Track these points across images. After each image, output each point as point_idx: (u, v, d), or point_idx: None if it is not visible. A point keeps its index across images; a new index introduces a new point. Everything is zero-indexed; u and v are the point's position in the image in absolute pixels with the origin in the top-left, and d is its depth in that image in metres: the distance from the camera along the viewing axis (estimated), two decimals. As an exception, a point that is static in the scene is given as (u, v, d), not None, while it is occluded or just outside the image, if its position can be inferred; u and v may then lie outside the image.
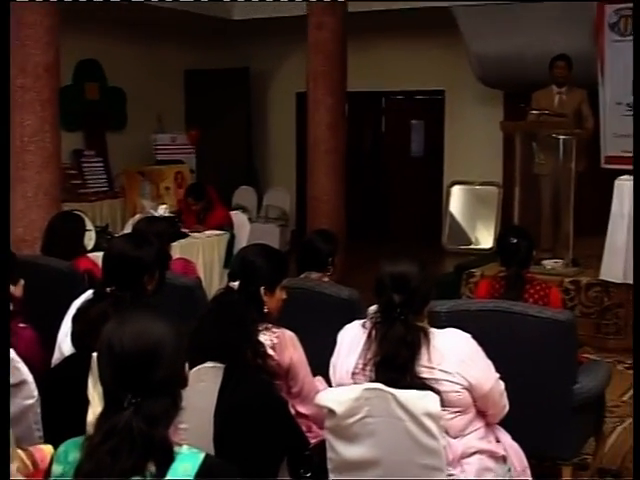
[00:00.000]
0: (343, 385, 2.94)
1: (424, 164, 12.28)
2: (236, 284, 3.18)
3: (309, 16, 8.53)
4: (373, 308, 3.03)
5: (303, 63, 8.82)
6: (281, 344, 3.12)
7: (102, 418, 1.92)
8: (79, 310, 3.25)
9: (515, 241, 4.60)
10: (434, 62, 11.44)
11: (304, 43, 8.71)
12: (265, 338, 3.10)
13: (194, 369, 2.82)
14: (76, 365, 2.91)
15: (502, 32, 9.84)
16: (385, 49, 11.60)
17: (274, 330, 3.14)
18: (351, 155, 9.19)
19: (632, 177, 7.34)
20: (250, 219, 9.15)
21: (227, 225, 7.82)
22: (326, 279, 4.47)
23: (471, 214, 11.64)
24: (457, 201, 11.71)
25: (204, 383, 2.92)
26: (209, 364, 2.96)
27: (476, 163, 11.44)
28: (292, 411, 3.19)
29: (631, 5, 8.95)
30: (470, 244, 11.43)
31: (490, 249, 10.08)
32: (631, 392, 5.85)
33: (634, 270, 6.41)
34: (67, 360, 3.17)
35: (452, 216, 11.68)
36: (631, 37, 9.02)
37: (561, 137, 7.36)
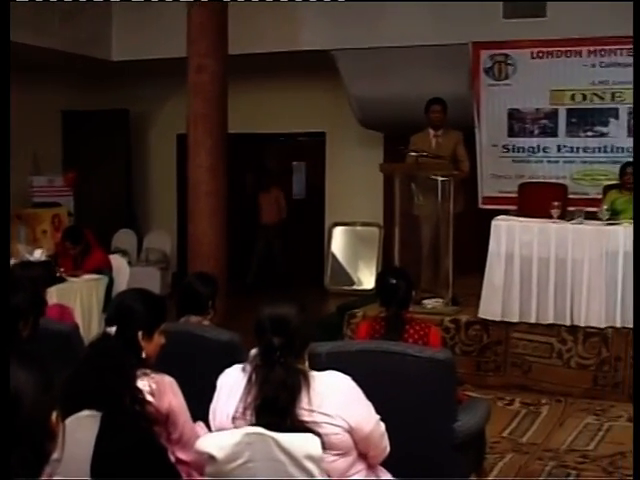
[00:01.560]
0: (224, 430, 2.90)
1: (306, 205, 12.34)
2: (113, 329, 3.11)
3: (189, 58, 8.52)
4: (254, 351, 3.00)
5: (184, 105, 8.78)
6: (160, 390, 3.06)
7: None
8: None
9: (394, 282, 4.63)
10: (315, 104, 11.56)
11: (184, 85, 8.68)
12: (143, 384, 3.02)
13: (69, 418, 2.73)
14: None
15: (380, 75, 10.02)
16: (266, 91, 11.67)
17: (152, 376, 3.08)
18: (232, 197, 9.15)
19: (508, 217, 7.55)
20: (130, 262, 9.01)
21: (106, 268, 7.68)
22: (206, 322, 4.42)
23: (353, 255, 11.75)
24: (339, 242, 11.81)
25: (80, 433, 2.83)
26: (85, 412, 2.88)
27: (357, 204, 11.57)
28: (172, 458, 3.12)
29: (505, 51, 9.28)
30: (352, 285, 11.52)
31: (372, 289, 10.14)
32: (510, 428, 5.96)
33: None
34: None
35: (334, 257, 11.76)
36: (505, 81, 9.34)
37: (439, 179, 7.51)
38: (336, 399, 2.84)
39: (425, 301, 7.51)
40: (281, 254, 11.79)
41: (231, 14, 8.53)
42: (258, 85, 11.53)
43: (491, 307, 7.13)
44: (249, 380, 2.88)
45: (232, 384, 2.96)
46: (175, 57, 9.40)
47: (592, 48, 9.07)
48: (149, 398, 3.00)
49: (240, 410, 2.89)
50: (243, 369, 2.96)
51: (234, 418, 2.90)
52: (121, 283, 7.54)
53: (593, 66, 9.11)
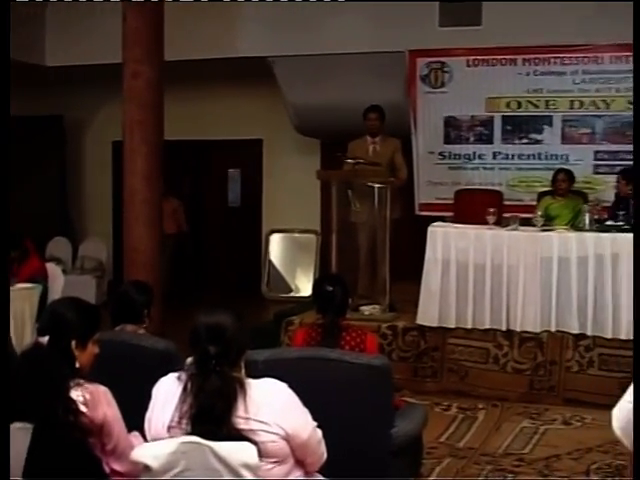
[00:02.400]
0: (159, 440, 2.87)
1: (242, 213, 12.30)
2: (46, 339, 3.07)
3: (124, 64, 8.42)
4: (190, 360, 2.98)
5: (119, 111, 8.69)
6: (94, 400, 3.01)
7: None
8: None
9: (330, 289, 4.62)
10: (252, 111, 11.54)
11: (120, 91, 8.59)
12: (77, 394, 2.98)
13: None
14: None
15: (317, 82, 10.03)
16: (203, 98, 11.62)
17: (86, 386, 3.03)
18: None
19: (445, 224, 7.61)
20: (65, 271, 8.89)
21: (41, 277, 7.55)
22: (142, 331, 4.38)
23: (290, 262, 11.74)
24: (276, 249, 11.79)
25: (12, 445, 2.78)
26: (17, 424, 2.83)
27: (294, 211, 11.57)
28: (106, 469, 3.08)
29: (441, 59, 9.37)
30: (290, 292, 11.51)
31: (310, 296, 10.14)
32: (448, 433, 6.00)
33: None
34: None
35: (271, 264, 11.74)
36: (441, 89, 9.42)
37: (376, 186, 7.53)
38: (273, 406, 2.83)
39: (362, 308, 7.53)
40: (189, 267, 11.64)
41: (167, 20, 8.46)
42: (195, 91, 11.47)
43: (428, 313, 7.18)
44: (185, 389, 2.86)
45: (167, 393, 2.93)
46: (110, 63, 9.31)
47: (527, 57, 9.19)
48: (83, 409, 2.96)
49: (176, 419, 2.86)
50: (179, 378, 2.93)
51: (170, 427, 2.87)
52: (56, 292, 7.42)
53: (528, 74, 9.22)
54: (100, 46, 9.88)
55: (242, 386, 2.82)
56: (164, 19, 8.43)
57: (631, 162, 8.72)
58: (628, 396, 1.30)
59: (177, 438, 2.79)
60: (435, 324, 7.15)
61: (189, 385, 2.85)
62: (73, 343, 3.08)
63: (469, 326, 7.07)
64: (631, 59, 8.82)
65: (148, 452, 2.78)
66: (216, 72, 10.72)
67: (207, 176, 12.58)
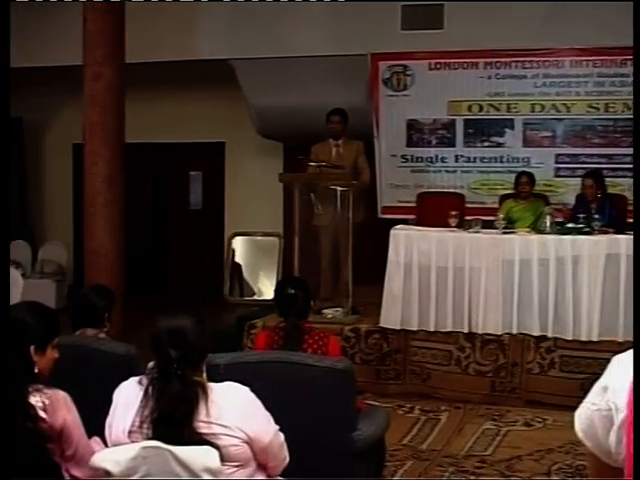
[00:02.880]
0: (120, 445, 2.84)
1: (204, 216, 12.25)
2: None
3: (85, 67, 8.36)
4: (151, 364, 2.95)
5: (80, 114, 8.62)
6: (53, 405, 2.98)
7: None
8: None
9: (292, 292, 4.62)
10: (214, 114, 11.50)
11: (81, 93, 8.52)
12: (36, 400, 2.94)
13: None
14: None
15: (279, 85, 10.02)
16: (165, 100, 11.57)
17: (45, 391, 2.99)
18: (130, 208, 9.02)
19: (407, 227, 7.63)
20: (24, 275, 8.80)
21: (-1, 281, 7.47)
22: (102, 335, 4.35)
23: (253, 265, 11.71)
24: (239, 252, 11.76)
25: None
26: (-26, 431, 2.79)
27: (257, 214, 11.54)
28: (66, 476, 3.05)
29: (403, 62, 9.40)
30: (253, 295, 11.48)
31: (272, 299, 10.13)
32: (410, 435, 6.01)
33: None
34: None
35: (234, 267, 11.69)
36: (404, 92, 9.45)
37: (338, 189, 7.53)
38: (234, 410, 2.82)
39: (325, 311, 7.52)
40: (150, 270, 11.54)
41: (128, 22, 8.41)
42: (157, 94, 11.41)
43: (390, 316, 7.19)
44: (146, 393, 2.84)
45: (128, 398, 2.90)
46: (71, 65, 9.23)
47: (488, 60, 9.24)
48: (42, 414, 2.93)
49: (137, 424, 2.84)
50: (140, 382, 2.91)
51: (130, 432, 2.85)
52: (15, 296, 7.32)
53: (489, 78, 9.27)
54: (60, 48, 9.79)
55: (204, 390, 2.81)
56: (125, 21, 8.39)
57: (592, 165, 8.83)
58: (590, 397, 1.30)
59: (138, 443, 2.77)
60: (398, 327, 7.16)
61: (150, 389, 2.83)
62: (32, 348, 3.04)
63: (431, 328, 7.08)
64: (591, 63, 8.93)
65: (108, 457, 2.76)
66: (178, 74, 10.66)
67: (169, 179, 12.50)
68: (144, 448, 2.72)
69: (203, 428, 2.77)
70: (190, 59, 9.88)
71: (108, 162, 8.28)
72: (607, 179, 8.26)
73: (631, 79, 8.84)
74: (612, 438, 1.23)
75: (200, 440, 2.75)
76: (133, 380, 2.96)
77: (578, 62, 9.01)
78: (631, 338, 6.52)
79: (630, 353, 1.24)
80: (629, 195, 8.70)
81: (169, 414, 2.77)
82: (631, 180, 8.83)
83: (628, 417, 1.20)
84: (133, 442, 2.81)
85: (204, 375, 2.96)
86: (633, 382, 1.10)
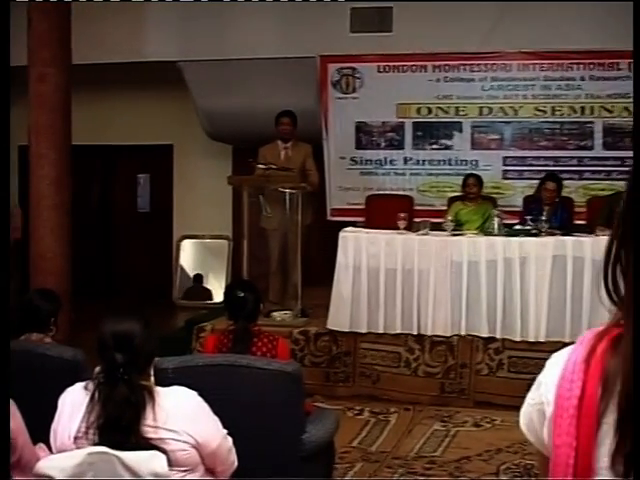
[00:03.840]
0: (65, 451, 2.80)
1: (152, 219, 12.16)
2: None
3: (30, 67, 8.25)
4: (98, 369, 2.92)
5: (25, 115, 8.51)
6: (-4, 411, 2.93)
7: None
8: None
9: (241, 295, 4.61)
10: (162, 116, 11.43)
11: (26, 95, 8.41)
12: (-22, 406, 2.90)
13: None
14: None
15: (227, 87, 9.98)
16: (113, 102, 11.47)
17: (-12, 396, 2.95)
18: (77, 211, 8.92)
19: (356, 229, 7.64)
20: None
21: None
22: (48, 340, 4.29)
23: (202, 268, 11.65)
24: (188, 255, 11.69)
25: None
26: None
27: (206, 217, 11.48)
28: (10, 483, 3.00)
29: (352, 65, 9.43)
30: (202, 298, 11.41)
31: (222, 302, 10.10)
32: (360, 437, 6.01)
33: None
34: None
35: (183, 270, 11.63)
36: (353, 95, 9.47)
37: (287, 191, 7.53)
38: (182, 415, 2.79)
39: (274, 313, 7.51)
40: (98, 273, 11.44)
41: (75, 23, 8.32)
42: (104, 95, 11.31)
43: (340, 318, 7.19)
44: (92, 398, 2.80)
45: (74, 403, 2.87)
46: (16, 65, 9.10)
47: (437, 63, 9.30)
48: (-16, 420, 2.88)
49: (82, 430, 2.80)
50: (86, 387, 2.87)
51: (76, 438, 2.82)
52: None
53: (438, 81, 9.33)
54: (5, 48, 9.65)
55: (151, 394, 2.78)
56: (71, 22, 8.30)
57: (539, 167, 8.92)
58: (529, 394, 1.38)
59: (84, 449, 2.74)
60: (347, 329, 7.16)
61: (96, 394, 2.80)
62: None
63: (380, 331, 7.09)
64: (537, 67, 9.04)
65: (53, 464, 2.72)
66: (126, 76, 10.58)
67: (116, 181, 12.40)
68: (90, 454, 2.69)
69: (150, 433, 2.74)
70: (138, 61, 9.80)
71: (54, 164, 8.18)
72: (554, 181, 8.36)
73: (577, 82, 8.98)
74: (545, 431, 1.31)
75: (147, 445, 2.72)
76: (79, 385, 2.92)
77: (525, 66, 9.11)
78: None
79: (565, 350, 1.31)
80: (575, 197, 8.82)
81: (116, 419, 2.74)
82: (578, 182, 8.96)
83: (554, 411, 1.27)
84: (79, 448, 2.78)
85: (152, 379, 2.93)
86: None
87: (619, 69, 8.84)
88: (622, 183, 8.12)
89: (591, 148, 9.04)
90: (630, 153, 8.86)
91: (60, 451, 2.85)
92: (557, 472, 1.25)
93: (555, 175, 8.26)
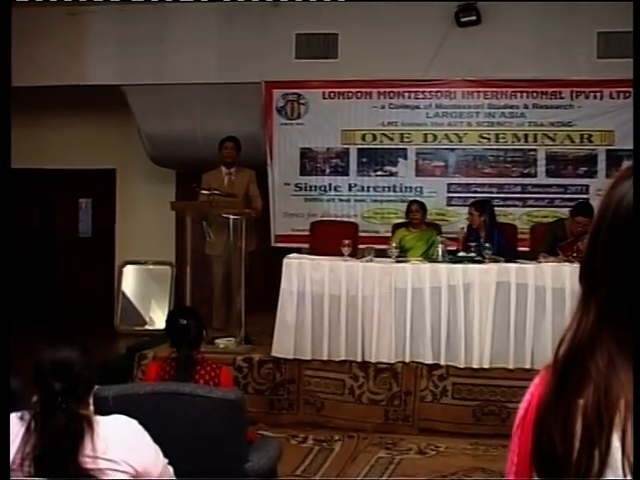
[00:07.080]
0: (-1, 483, 2.71)
1: (94, 244, 11.99)
2: None
3: (-31, 90, 8.12)
4: (35, 398, 2.83)
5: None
6: None
7: None
8: None
9: (184, 322, 4.55)
10: (105, 140, 11.30)
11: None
12: None
13: None
14: None
15: (171, 112, 9.92)
16: (53, 126, 11.31)
17: None
18: (16, 236, 8.77)
19: (300, 255, 7.60)
20: None
21: None
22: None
23: (145, 294, 11.51)
24: (130, 281, 11.55)
25: None
26: None
27: (149, 242, 11.35)
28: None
29: (297, 91, 9.43)
30: (144, 325, 11.26)
31: (164, 329, 9.97)
32: (304, 466, 5.95)
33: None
34: None
35: (125, 296, 11.48)
36: (298, 121, 9.47)
37: (231, 217, 7.48)
38: (121, 444, 2.71)
39: (217, 340, 7.44)
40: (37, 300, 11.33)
41: (14, 45, 8.20)
42: (44, 119, 11.16)
43: (284, 345, 7.13)
44: (27, 429, 2.71)
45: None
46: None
47: (382, 90, 9.35)
48: None
49: (17, 462, 2.70)
50: (21, 418, 2.77)
51: (11, 470, 2.72)
52: None
53: (383, 107, 9.37)
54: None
55: (90, 424, 2.70)
56: (10, 44, 8.17)
57: (483, 194, 8.98)
58: None
59: (19, 481, 2.65)
60: (291, 356, 7.11)
61: (32, 424, 2.71)
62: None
63: (325, 358, 7.05)
64: (482, 95, 9.12)
65: (-13, 497, 2.62)
66: (67, 99, 10.44)
67: (57, 206, 12.20)
68: (26, 486, 2.60)
69: (89, 463, 2.66)
70: (79, 84, 9.70)
71: (-7, 188, 8.03)
72: (498, 208, 8.43)
73: (520, 110, 9.08)
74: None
75: (85, 476, 2.65)
76: (14, 416, 2.82)
77: (469, 93, 9.19)
78: (521, 365, 6.62)
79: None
80: (519, 224, 8.89)
81: (53, 449, 2.65)
82: (522, 209, 9.06)
83: (515, 432, 1.31)
84: (14, 481, 2.69)
85: (91, 408, 2.86)
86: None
87: (561, 97, 8.97)
88: (565, 210, 8.23)
89: (534, 175, 9.14)
90: (572, 181, 9.03)
91: (-7, 484, 2.75)
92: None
93: (479, 201, 8.28)
